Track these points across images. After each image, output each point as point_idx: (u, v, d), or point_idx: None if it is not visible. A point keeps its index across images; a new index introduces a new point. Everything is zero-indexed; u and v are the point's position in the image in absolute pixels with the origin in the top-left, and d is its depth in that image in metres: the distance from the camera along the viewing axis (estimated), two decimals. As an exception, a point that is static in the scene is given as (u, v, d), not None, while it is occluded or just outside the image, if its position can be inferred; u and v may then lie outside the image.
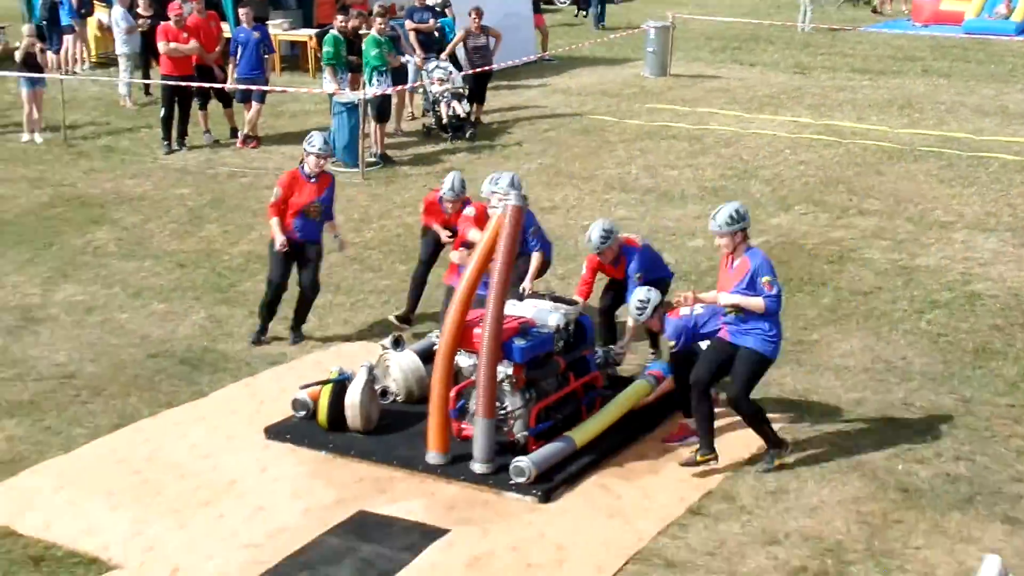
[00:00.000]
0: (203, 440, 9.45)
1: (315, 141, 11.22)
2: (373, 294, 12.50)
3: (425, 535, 8.04)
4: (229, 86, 19.01)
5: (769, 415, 9.57)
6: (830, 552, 7.73)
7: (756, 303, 8.48)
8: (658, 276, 10.30)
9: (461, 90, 19.25)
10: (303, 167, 11.29)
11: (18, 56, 19.79)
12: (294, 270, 11.33)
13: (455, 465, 8.82)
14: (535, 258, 10.57)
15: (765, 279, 8.47)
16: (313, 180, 11.18)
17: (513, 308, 9.30)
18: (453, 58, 20.45)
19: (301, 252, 11.25)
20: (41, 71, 20.27)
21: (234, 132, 19.40)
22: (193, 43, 18.48)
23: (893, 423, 9.47)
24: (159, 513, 8.34)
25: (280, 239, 11.01)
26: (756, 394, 9.92)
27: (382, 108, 18.05)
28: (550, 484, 8.56)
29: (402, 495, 8.60)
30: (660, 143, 18.71)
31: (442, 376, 8.78)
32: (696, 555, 7.74)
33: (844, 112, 20.94)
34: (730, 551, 7.77)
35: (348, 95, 17.56)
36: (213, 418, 9.85)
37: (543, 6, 29.53)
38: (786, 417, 9.62)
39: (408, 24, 20.12)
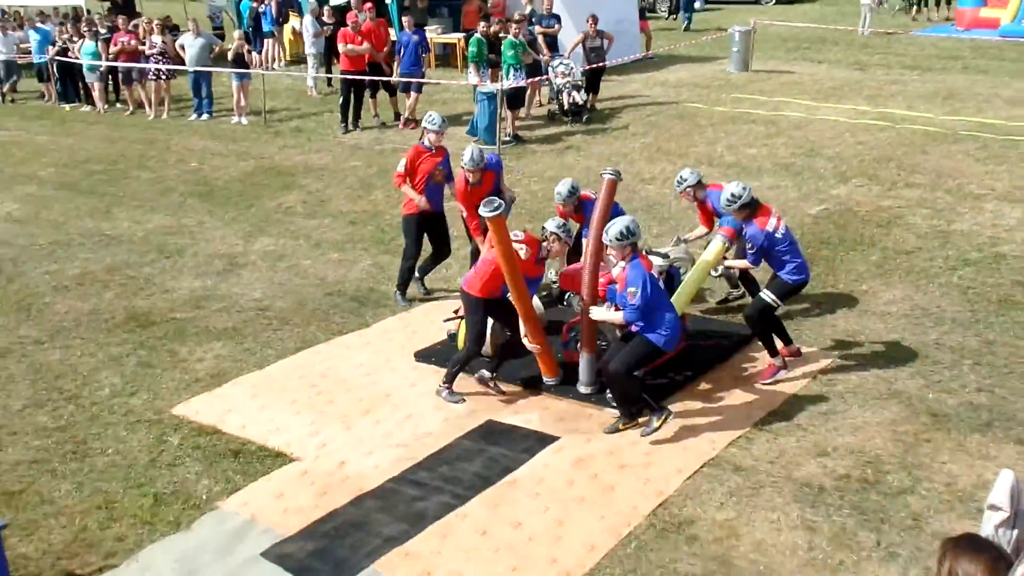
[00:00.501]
0: (366, 361, 9.58)
1: (435, 119, 10.64)
2: (504, 247, 12.47)
3: (540, 440, 8.07)
4: (394, 79, 19.15)
5: (826, 351, 9.42)
6: (870, 464, 7.57)
7: (616, 317, 7.92)
8: None
9: (580, 82, 19.10)
10: (423, 142, 10.71)
11: (230, 56, 20.26)
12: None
13: (565, 386, 8.81)
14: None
15: (630, 290, 7.66)
16: (432, 152, 10.67)
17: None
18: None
19: (433, 225, 10.79)
20: (247, 68, 20.68)
21: (397, 116, 19.50)
22: (366, 44, 18.62)
23: (927, 359, 9.19)
24: (330, 418, 8.51)
25: (421, 200, 10.49)
26: (815, 337, 9.80)
27: (515, 97, 17.99)
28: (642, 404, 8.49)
29: (523, 408, 8.64)
30: (742, 126, 18.31)
31: (533, 326, 8.70)
32: (759, 462, 7.64)
33: (896, 102, 20.23)
34: (787, 460, 7.66)
35: (489, 86, 17.51)
36: (375, 344, 9.97)
37: (647, 14, 29.06)
38: (838, 353, 9.40)
39: (537, 29, 19.97)
